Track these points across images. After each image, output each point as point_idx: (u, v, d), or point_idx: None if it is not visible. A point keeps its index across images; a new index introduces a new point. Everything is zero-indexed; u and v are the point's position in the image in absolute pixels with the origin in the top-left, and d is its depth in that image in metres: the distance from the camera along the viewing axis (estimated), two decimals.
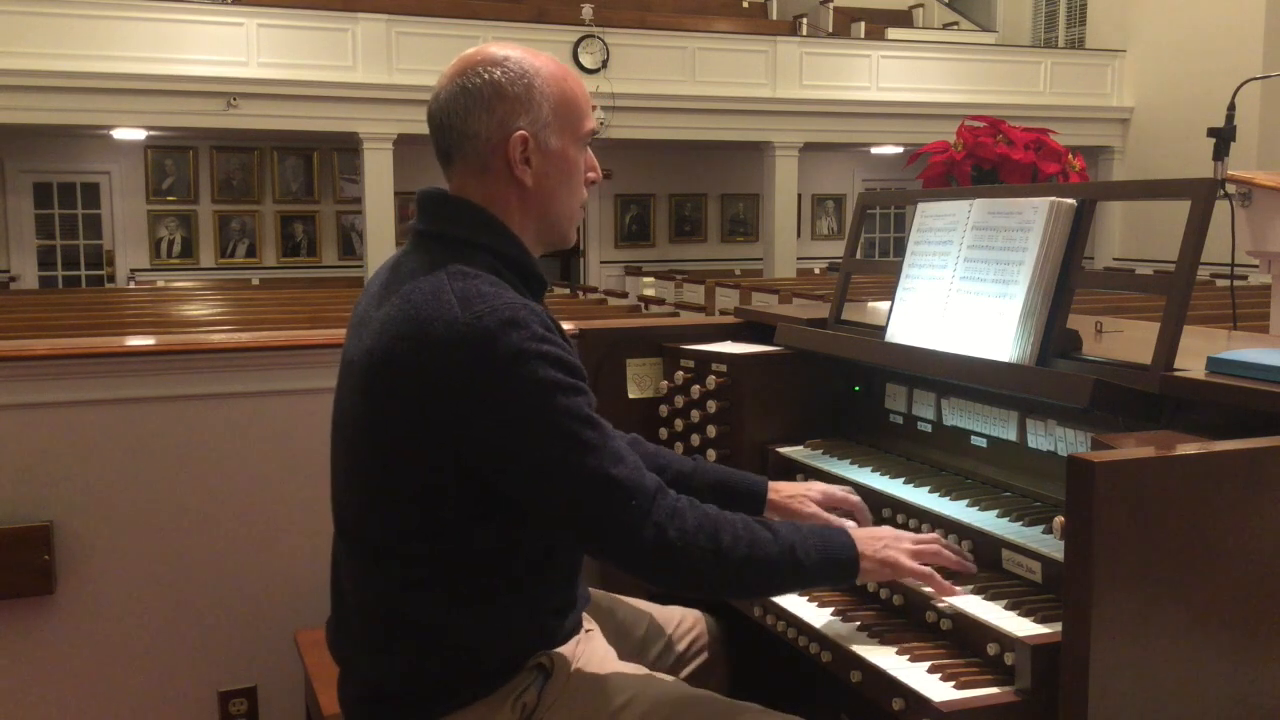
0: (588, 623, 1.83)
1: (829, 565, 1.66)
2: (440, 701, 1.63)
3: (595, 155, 1.77)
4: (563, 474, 1.52)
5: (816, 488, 2.01)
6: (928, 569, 1.70)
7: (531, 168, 1.66)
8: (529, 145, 1.65)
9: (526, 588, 1.66)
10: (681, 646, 2.02)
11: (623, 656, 1.83)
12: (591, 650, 1.75)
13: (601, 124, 12.08)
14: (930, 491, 2.01)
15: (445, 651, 1.63)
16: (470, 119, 1.64)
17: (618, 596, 2.05)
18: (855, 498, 2.00)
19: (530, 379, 1.50)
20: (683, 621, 2.05)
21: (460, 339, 1.50)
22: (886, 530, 1.78)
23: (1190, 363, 1.69)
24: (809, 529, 1.69)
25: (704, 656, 2.04)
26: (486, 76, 1.63)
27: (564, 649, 1.70)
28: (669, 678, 1.81)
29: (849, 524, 1.91)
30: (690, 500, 1.60)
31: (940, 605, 1.68)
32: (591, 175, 1.75)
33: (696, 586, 1.63)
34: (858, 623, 1.74)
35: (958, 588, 1.70)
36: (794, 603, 1.85)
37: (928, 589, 1.71)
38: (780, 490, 2.00)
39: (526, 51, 1.68)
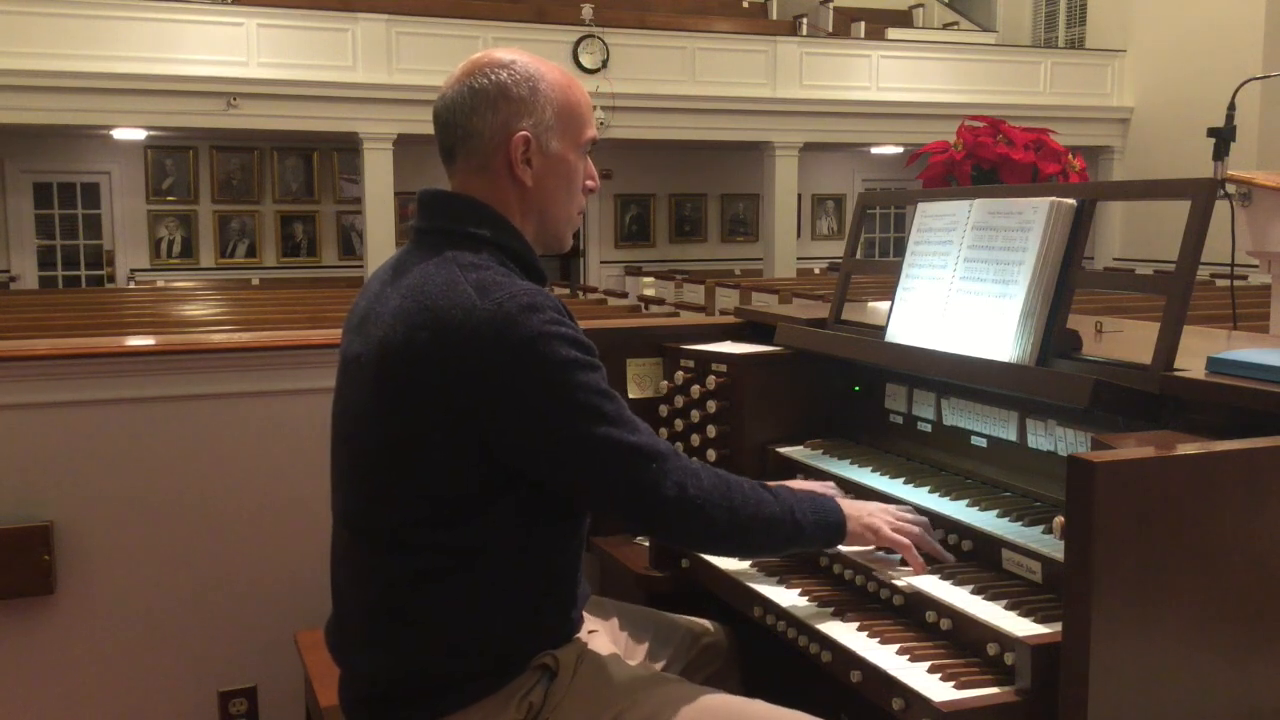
0: (591, 623, 1.84)
1: (821, 527, 1.78)
2: (443, 698, 1.64)
3: (595, 154, 1.80)
4: (587, 446, 1.58)
5: None
6: (905, 540, 1.81)
7: (532, 168, 1.70)
8: (531, 146, 1.69)
9: (529, 582, 1.66)
10: (692, 654, 2.02)
11: (630, 662, 1.83)
12: (596, 650, 1.76)
13: (601, 124, 12.06)
14: (930, 491, 2.01)
15: (448, 647, 1.63)
16: (475, 117, 1.68)
17: (623, 604, 2.05)
18: None
19: (553, 358, 1.56)
20: (692, 628, 2.05)
21: (482, 324, 1.54)
22: (873, 503, 1.90)
23: (1190, 363, 1.69)
24: (803, 494, 1.81)
25: (716, 665, 2.03)
26: (493, 78, 1.68)
27: (568, 648, 1.70)
28: (674, 676, 1.82)
29: (832, 486, 2.01)
30: (701, 463, 1.70)
31: (900, 584, 1.76)
32: (590, 184, 1.80)
33: (710, 541, 1.78)
34: (858, 623, 1.74)
35: (948, 580, 1.74)
36: (794, 601, 1.85)
37: (898, 578, 1.76)
38: None
39: (533, 58, 1.73)
